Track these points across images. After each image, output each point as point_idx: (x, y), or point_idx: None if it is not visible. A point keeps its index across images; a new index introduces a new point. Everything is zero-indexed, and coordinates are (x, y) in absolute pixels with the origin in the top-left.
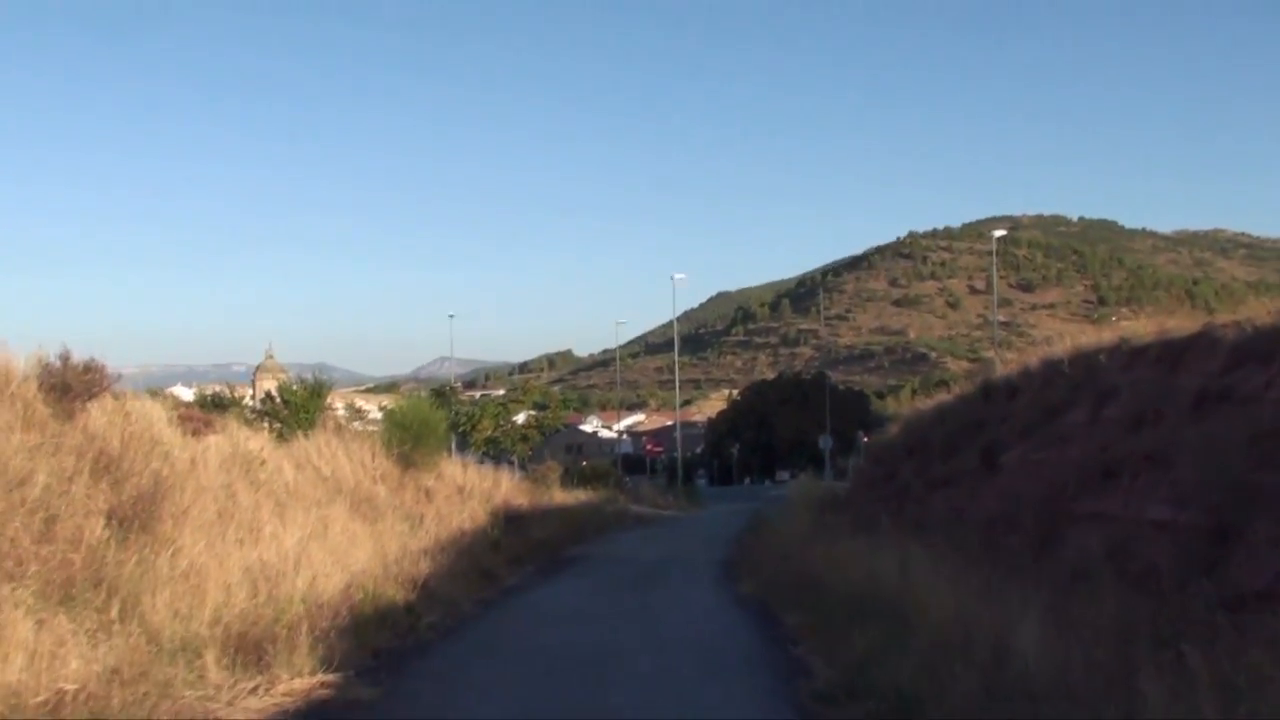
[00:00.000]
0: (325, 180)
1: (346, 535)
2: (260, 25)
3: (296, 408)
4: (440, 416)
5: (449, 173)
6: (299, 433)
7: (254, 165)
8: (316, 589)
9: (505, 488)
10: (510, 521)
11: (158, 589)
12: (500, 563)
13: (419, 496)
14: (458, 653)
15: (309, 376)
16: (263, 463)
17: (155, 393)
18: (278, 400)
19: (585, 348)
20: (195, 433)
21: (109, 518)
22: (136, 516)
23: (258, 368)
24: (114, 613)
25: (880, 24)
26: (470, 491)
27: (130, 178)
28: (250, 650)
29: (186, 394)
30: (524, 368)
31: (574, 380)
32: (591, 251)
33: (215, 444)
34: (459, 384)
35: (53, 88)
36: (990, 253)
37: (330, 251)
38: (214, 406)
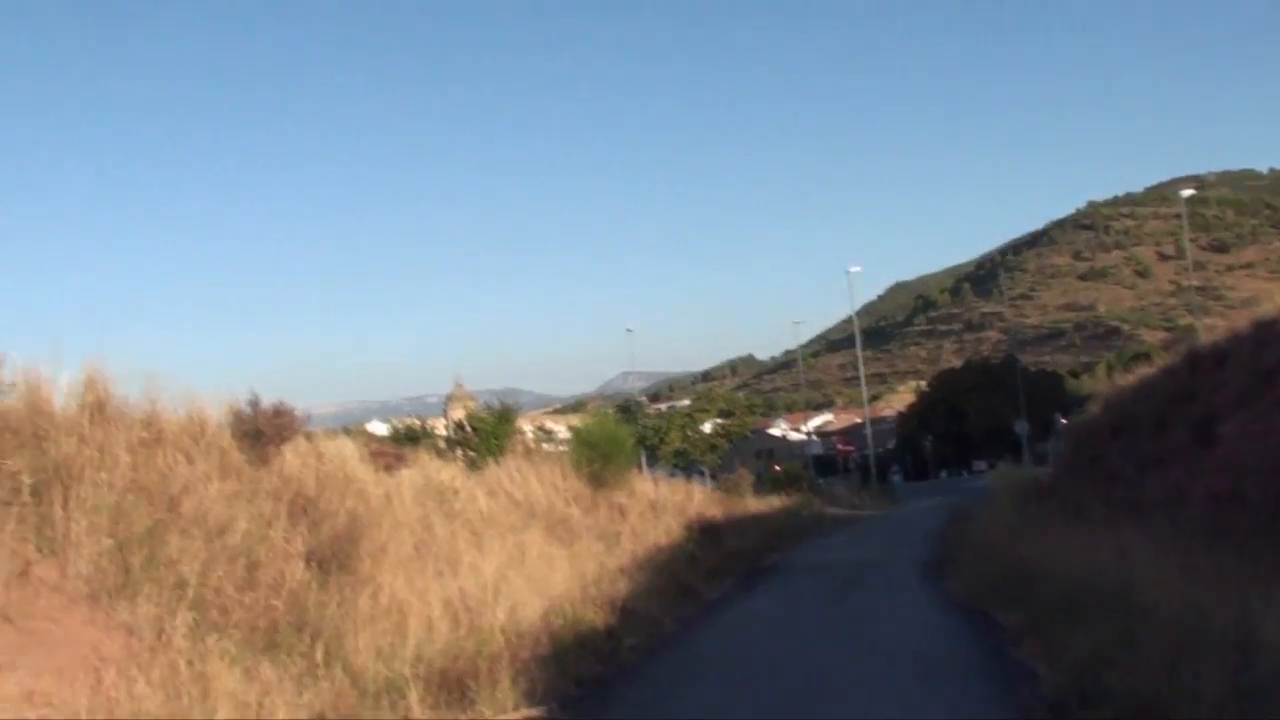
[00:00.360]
0: (504, 205)
1: (543, 559)
2: (440, 59)
3: (486, 435)
4: (627, 432)
5: (619, 188)
6: (490, 459)
7: (431, 198)
8: (516, 618)
9: (698, 499)
10: (705, 534)
11: (360, 629)
12: (699, 577)
13: (612, 515)
14: (663, 676)
15: (496, 402)
16: (456, 493)
17: (350, 430)
18: (467, 429)
19: (766, 351)
20: (387, 467)
21: (308, 560)
22: (335, 557)
23: (448, 397)
24: (319, 656)
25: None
26: (663, 506)
27: (313, 223)
28: (453, 686)
29: (381, 429)
30: (707, 376)
31: (757, 384)
32: (765, 253)
33: (408, 477)
34: (644, 398)
35: (238, 134)
36: (1179, 216)
37: (512, 276)
38: (407, 439)
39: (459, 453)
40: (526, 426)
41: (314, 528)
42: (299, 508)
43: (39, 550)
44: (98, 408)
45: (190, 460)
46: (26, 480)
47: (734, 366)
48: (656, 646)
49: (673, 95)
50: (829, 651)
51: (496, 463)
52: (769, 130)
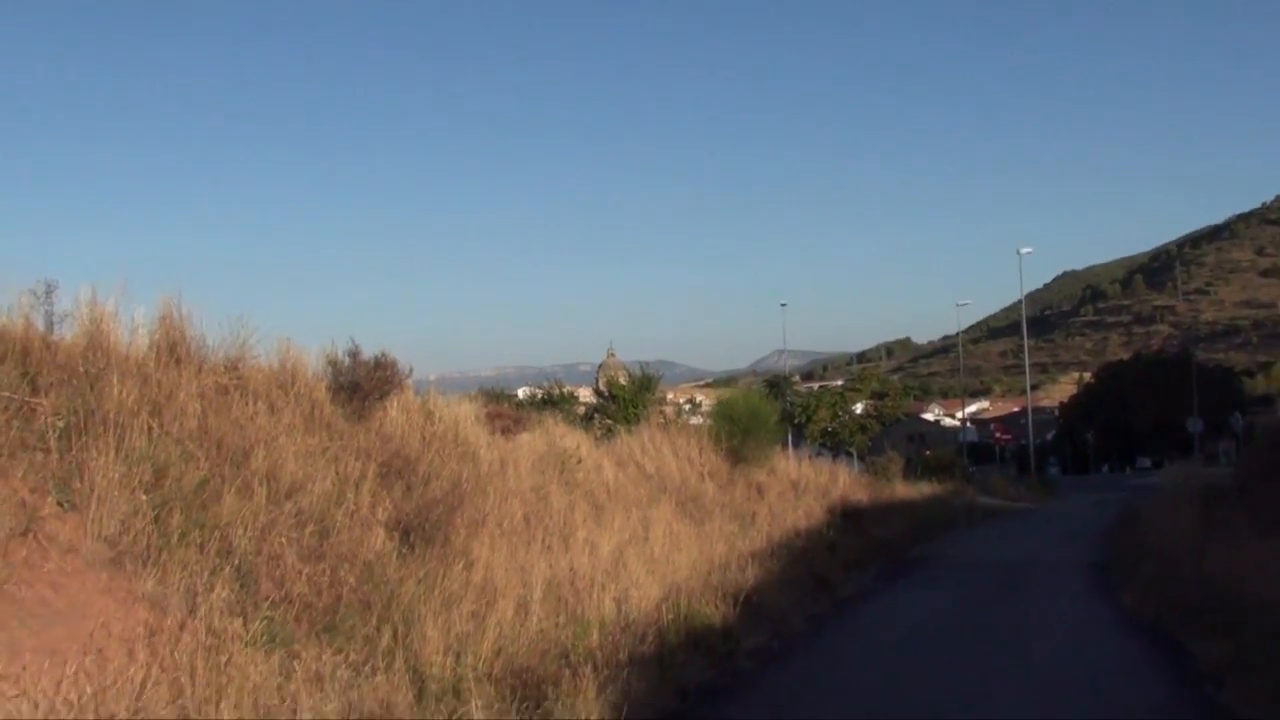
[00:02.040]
0: (667, 182)
1: (669, 538)
2: (588, 26)
3: (625, 402)
4: (770, 408)
5: (782, 166)
6: (628, 428)
7: (595, 172)
8: (627, 607)
9: (843, 482)
10: (848, 519)
11: (438, 611)
12: (837, 567)
13: (749, 493)
14: (780, 691)
15: (639, 371)
16: (579, 461)
17: (491, 393)
18: (606, 395)
19: (924, 335)
20: (505, 431)
21: (394, 528)
22: (425, 525)
23: (600, 366)
24: (384, 642)
25: None
26: (805, 487)
27: (473, 193)
28: (529, 691)
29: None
30: (861, 357)
31: (913, 368)
32: (930, 236)
33: (527, 443)
34: (796, 376)
35: (381, 98)
36: None
37: (672, 250)
38: (546, 405)
39: (596, 419)
40: (679, 398)
41: (408, 493)
42: (394, 470)
43: (60, 505)
44: (169, 348)
45: (274, 411)
46: (56, 422)
47: (890, 349)
48: (779, 651)
49: (844, 69)
50: (982, 674)
51: (630, 433)
52: (941, 109)
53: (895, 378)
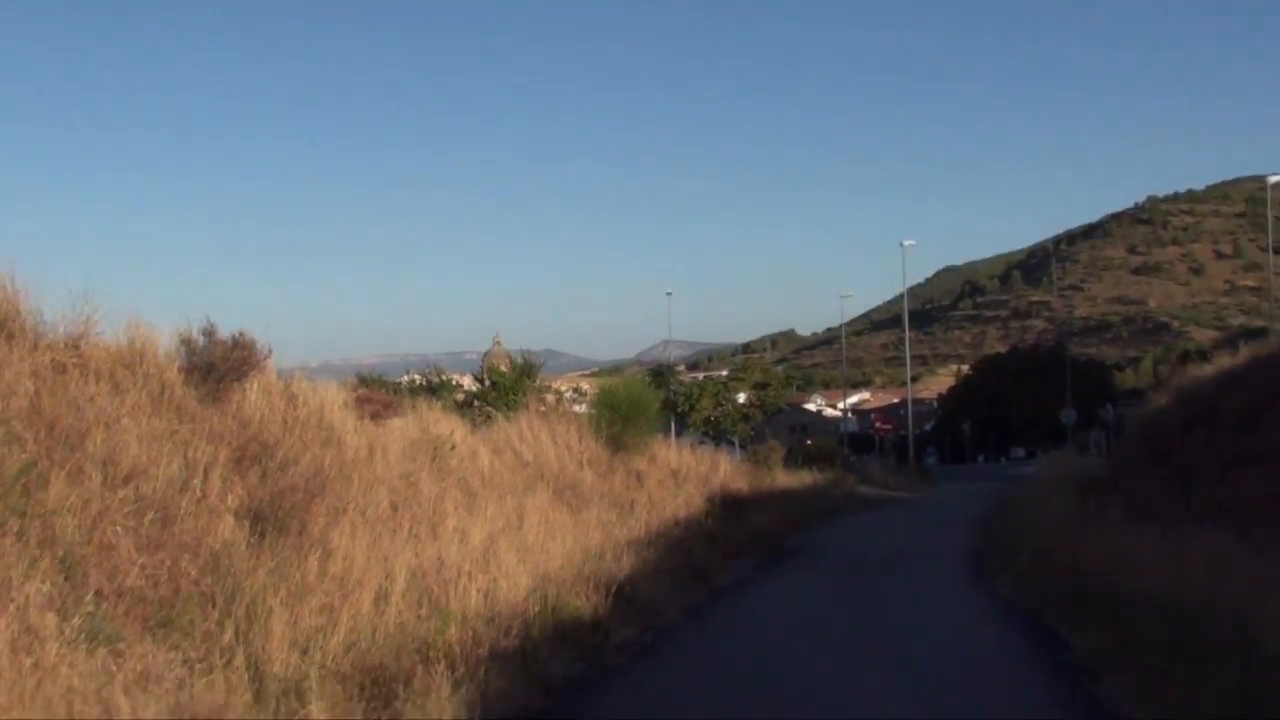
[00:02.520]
0: (552, 165)
1: (545, 526)
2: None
3: (505, 389)
4: (651, 395)
5: (668, 152)
6: (508, 415)
7: (477, 151)
8: (495, 597)
9: (724, 470)
10: (728, 507)
11: (288, 604)
12: (715, 556)
13: (629, 482)
14: (649, 686)
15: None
16: (453, 447)
17: (372, 380)
18: (486, 382)
19: (809, 326)
20: (374, 416)
21: (245, 516)
22: (279, 513)
23: (485, 354)
24: (227, 637)
25: None
26: (686, 475)
27: (358, 173)
28: (379, 689)
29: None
30: (747, 348)
31: (797, 360)
32: (814, 229)
33: (399, 428)
34: (682, 366)
35: (291, 79)
36: (1241, 214)
37: (557, 237)
38: (425, 392)
39: (476, 406)
40: (563, 386)
41: (264, 479)
42: (250, 455)
43: None
44: None
45: (119, 392)
46: None
47: (774, 340)
48: (650, 644)
49: (727, 55)
50: (858, 664)
51: (509, 420)
52: (826, 99)
53: (780, 368)
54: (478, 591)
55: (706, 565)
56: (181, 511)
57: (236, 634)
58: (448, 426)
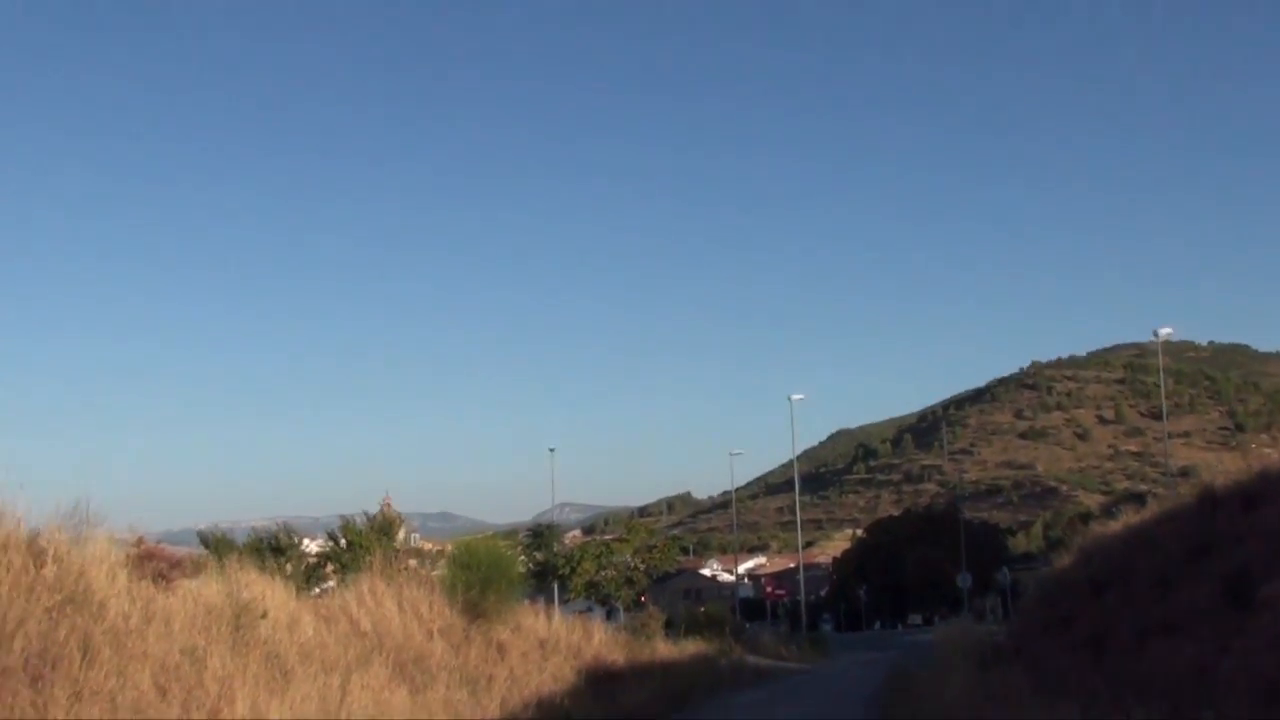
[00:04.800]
0: (445, 326)
1: (376, 709)
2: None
3: (360, 549)
4: (512, 554)
5: (564, 318)
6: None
7: (372, 314)
8: None
9: (598, 640)
10: (599, 683)
11: None
12: None
13: (488, 654)
14: None
15: (432, 524)
16: (264, 614)
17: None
18: (340, 542)
19: (704, 490)
20: (160, 577)
21: None
22: None
23: (372, 517)
24: None
25: (995, 149)
26: (555, 645)
27: (230, 337)
28: None
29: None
30: (643, 512)
31: (694, 523)
32: (708, 393)
33: (192, 593)
34: (577, 530)
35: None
36: (1121, 380)
37: (451, 401)
38: (271, 553)
39: (329, 568)
40: (430, 547)
41: None
42: None
43: None
44: None
45: None
46: None
47: (671, 504)
48: None
49: (619, 220)
50: None
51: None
52: (719, 272)
53: (674, 531)
54: None
55: None
56: None
57: None
58: (262, 590)
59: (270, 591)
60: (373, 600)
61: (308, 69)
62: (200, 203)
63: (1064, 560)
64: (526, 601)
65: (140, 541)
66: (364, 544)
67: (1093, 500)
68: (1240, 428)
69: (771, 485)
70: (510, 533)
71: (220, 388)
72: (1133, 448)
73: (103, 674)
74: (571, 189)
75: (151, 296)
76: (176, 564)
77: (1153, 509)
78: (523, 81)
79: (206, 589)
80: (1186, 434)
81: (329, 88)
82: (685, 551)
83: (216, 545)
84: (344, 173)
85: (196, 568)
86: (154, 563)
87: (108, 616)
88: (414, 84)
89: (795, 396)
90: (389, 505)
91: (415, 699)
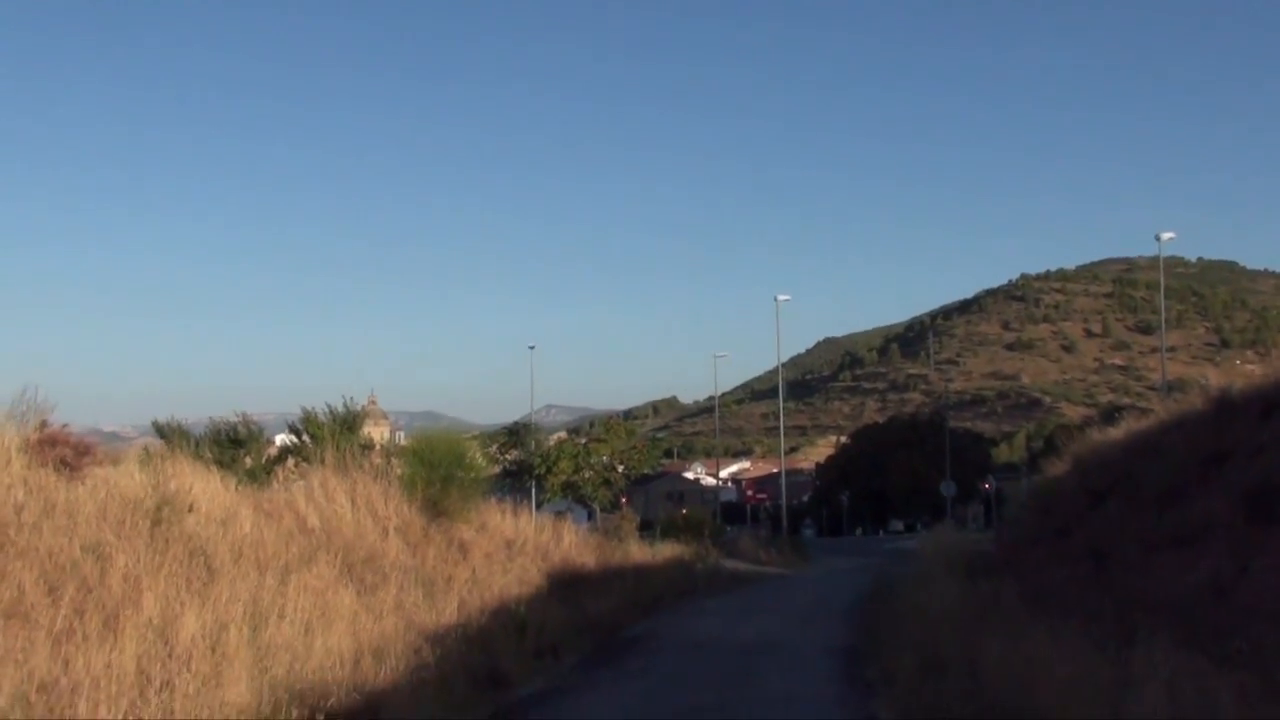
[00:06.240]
0: (436, 222)
1: (318, 611)
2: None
3: (322, 443)
4: (475, 449)
5: (556, 218)
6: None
7: (360, 204)
8: None
9: (568, 542)
10: (565, 587)
11: None
12: (525, 654)
13: (449, 554)
14: None
15: (417, 423)
16: (190, 508)
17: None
18: (303, 436)
19: (690, 394)
20: (63, 464)
21: None
22: None
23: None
24: None
25: (988, 65)
26: (522, 547)
27: (231, 221)
28: None
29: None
30: (629, 415)
31: (679, 427)
32: (698, 298)
33: (105, 483)
34: (564, 431)
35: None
36: (1109, 294)
37: (440, 299)
38: (231, 445)
39: (291, 462)
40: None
41: None
42: None
43: None
44: None
45: None
46: None
47: (657, 407)
48: None
49: (613, 126)
50: None
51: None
52: (715, 178)
53: (660, 434)
54: None
55: (508, 668)
56: None
57: None
58: (191, 481)
59: (204, 484)
60: (323, 496)
61: None
62: (173, 107)
63: (1057, 468)
64: (496, 500)
65: (43, 425)
66: (326, 438)
67: (1076, 412)
68: (1226, 344)
69: (757, 391)
70: (496, 433)
71: (212, 293)
72: (1118, 361)
73: None
74: (559, 91)
75: (135, 208)
76: (86, 451)
77: (1158, 415)
78: None
79: (125, 480)
80: (1173, 349)
81: None
82: (669, 455)
83: (171, 436)
84: (320, 78)
85: (114, 458)
86: (58, 449)
87: None
88: None
89: (781, 297)
90: (373, 402)
91: (363, 601)
